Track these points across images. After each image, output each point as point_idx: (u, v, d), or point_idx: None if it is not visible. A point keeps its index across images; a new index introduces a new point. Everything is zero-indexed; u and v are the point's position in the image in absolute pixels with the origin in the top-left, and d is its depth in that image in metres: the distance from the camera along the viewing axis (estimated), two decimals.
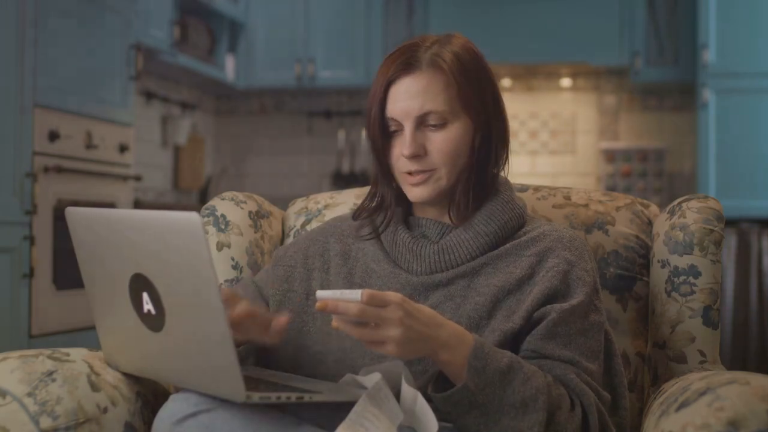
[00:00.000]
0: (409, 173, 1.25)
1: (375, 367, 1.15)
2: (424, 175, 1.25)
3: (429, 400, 1.10)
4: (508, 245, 1.26)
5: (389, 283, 1.27)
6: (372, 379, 1.10)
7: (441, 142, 1.23)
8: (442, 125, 1.23)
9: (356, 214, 1.36)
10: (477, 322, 1.20)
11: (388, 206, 1.32)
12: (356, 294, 1.02)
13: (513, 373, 1.10)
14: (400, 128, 1.25)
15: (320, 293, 1.05)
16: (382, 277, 1.29)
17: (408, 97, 1.23)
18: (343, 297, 1.02)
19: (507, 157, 1.31)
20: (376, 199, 1.33)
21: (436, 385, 1.12)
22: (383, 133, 1.27)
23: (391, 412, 1.06)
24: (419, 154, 1.23)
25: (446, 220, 1.30)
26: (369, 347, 1.06)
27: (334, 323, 1.04)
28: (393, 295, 1.03)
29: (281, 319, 1.16)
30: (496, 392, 1.09)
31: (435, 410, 1.09)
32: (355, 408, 1.03)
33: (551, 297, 1.21)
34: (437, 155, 1.24)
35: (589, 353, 1.19)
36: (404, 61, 1.24)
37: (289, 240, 1.66)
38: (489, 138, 1.26)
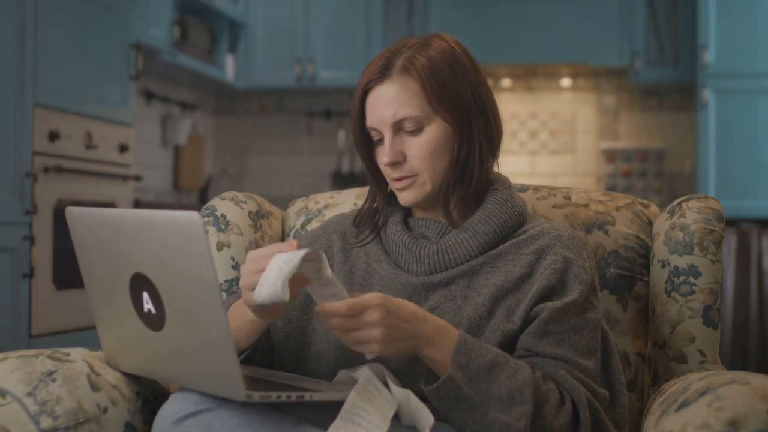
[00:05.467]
0: (395, 179, 1.27)
1: (358, 368, 1.15)
2: (407, 180, 1.26)
3: (422, 399, 1.10)
4: (507, 244, 1.26)
5: (389, 284, 1.27)
6: (362, 373, 1.10)
7: (419, 146, 1.24)
8: (418, 130, 1.24)
9: (356, 222, 1.37)
10: (477, 323, 1.20)
11: (381, 211, 1.34)
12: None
13: (498, 368, 1.10)
14: (382, 136, 1.27)
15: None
16: (382, 277, 1.29)
17: (382, 105, 1.25)
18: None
19: (496, 154, 1.31)
20: (374, 204, 1.35)
21: (427, 379, 1.13)
22: (367, 142, 1.30)
23: (384, 404, 1.06)
24: (398, 160, 1.25)
25: (444, 220, 1.30)
26: (356, 349, 1.07)
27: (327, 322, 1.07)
28: (371, 299, 1.05)
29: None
30: (482, 386, 1.09)
31: (433, 411, 1.09)
32: (345, 406, 1.03)
33: (547, 294, 1.21)
34: (416, 160, 1.25)
35: (584, 350, 1.19)
36: (378, 69, 1.25)
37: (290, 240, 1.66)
38: (470, 136, 1.26)
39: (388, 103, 1.24)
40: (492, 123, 1.28)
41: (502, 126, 1.32)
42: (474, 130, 1.26)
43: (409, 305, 1.09)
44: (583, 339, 1.19)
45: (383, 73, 1.25)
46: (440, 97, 1.23)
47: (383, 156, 1.26)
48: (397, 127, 1.25)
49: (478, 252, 1.26)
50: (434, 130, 1.24)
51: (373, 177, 1.33)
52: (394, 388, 1.10)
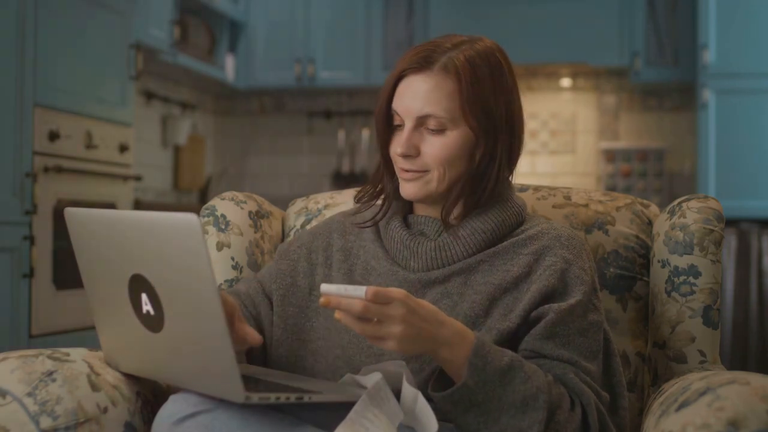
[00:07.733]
0: (403, 169, 1.26)
1: (376, 366, 1.15)
2: (415, 174, 1.25)
3: (429, 399, 1.10)
4: (505, 243, 1.26)
5: (388, 281, 1.27)
6: (372, 378, 1.10)
7: (436, 146, 1.23)
8: (440, 131, 1.23)
9: (358, 197, 1.36)
10: (473, 320, 1.20)
11: (387, 196, 1.32)
12: (360, 291, 1.01)
13: (513, 372, 1.10)
14: (402, 123, 1.25)
15: (324, 288, 1.04)
16: (381, 274, 1.29)
17: (412, 96, 1.23)
18: (347, 293, 1.02)
19: (512, 172, 1.30)
20: (378, 186, 1.34)
21: (436, 384, 1.12)
22: (388, 124, 1.28)
23: (391, 412, 1.06)
24: (411, 154, 1.24)
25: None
26: (371, 342, 1.05)
27: (337, 315, 1.03)
28: (396, 292, 1.03)
29: (256, 338, 1.17)
30: (497, 390, 1.09)
31: (435, 410, 1.09)
32: (355, 408, 1.03)
33: (548, 296, 1.20)
34: (430, 158, 1.23)
35: (588, 353, 1.19)
36: (420, 59, 1.23)
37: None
38: (494, 151, 1.24)
39: (420, 95, 1.22)
40: (517, 143, 1.28)
41: (522, 146, 1.30)
42: (498, 146, 1.24)
43: (428, 306, 1.07)
44: (587, 342, 1.19)
45: (422, 65, 1.22)
46: (473, 104, 1.21)
47: (398, 145, 1.24)
48: (420, 122, 1.23)
49: (475, 250, 1.25)
50: (456, 135, 1.23)
51: (385, 161, 1.31)
52: (406, 386, 1.09)
